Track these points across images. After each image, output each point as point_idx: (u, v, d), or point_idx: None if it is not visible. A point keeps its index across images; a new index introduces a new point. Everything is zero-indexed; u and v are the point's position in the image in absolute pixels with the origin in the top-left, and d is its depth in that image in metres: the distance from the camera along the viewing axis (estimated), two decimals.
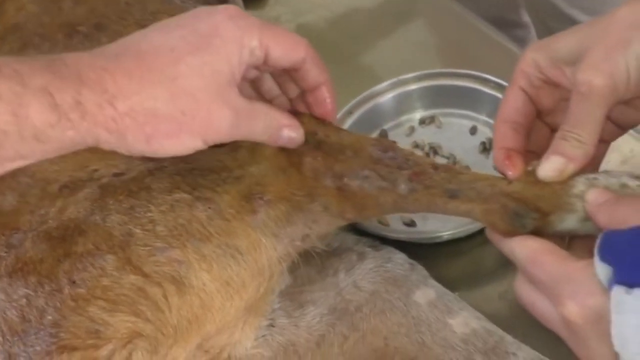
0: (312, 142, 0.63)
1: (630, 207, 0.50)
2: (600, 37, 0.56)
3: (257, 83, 0.64)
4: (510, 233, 0.56)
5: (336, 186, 0.62)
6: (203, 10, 0.58)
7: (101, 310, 0.57)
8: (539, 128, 0.63)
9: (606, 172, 0.57)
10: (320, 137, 0.63)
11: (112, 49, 0.55)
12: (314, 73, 0.61)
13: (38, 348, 0.56)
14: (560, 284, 0.50)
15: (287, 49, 0.59)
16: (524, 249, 0.54)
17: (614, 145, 0.77)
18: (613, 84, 0.54)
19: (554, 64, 0.59)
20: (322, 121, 0.64)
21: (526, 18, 1.49)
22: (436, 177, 0.60)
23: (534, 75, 0.60)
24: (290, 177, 0.62)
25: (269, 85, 0.64)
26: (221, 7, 0.58)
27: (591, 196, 0.54)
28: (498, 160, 0.60)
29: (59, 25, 0.79)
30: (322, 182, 0.62)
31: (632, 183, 0.55)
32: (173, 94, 0.53)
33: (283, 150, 0.63)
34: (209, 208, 0.61)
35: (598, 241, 0.48)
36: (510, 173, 0.59)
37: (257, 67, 0.60)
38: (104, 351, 0.57)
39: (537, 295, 0.52)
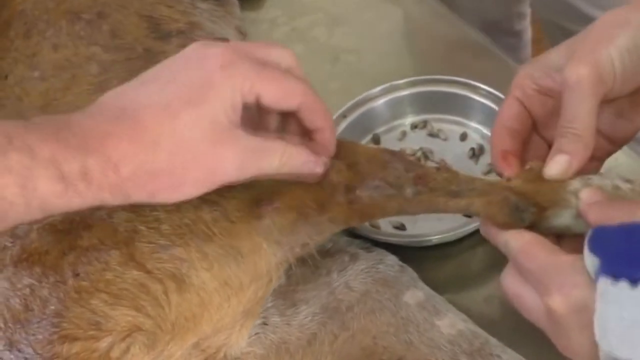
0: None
1: (620, 210, 0.53)
2: (585, 38, 0.60)
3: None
4: (508, 226, 0.59)
5: (347, 200, 0.63)
6: (193, 55, 0.59)
7: (103, 303, 0.59)
8: (537, 142, 0.65)
9: (600, 174, 0.60)
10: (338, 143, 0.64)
11: (111, 107, 0.56)
12: (311, 119, 0.61)
13: (40, 337, 0.58)
14: (549, 274, 0.52)
15: (279, 97, 0.59)
16: (518, 240, 0.56)
17: None
18: (598, 73, 0.57)
19: (547, 73, 0.62)
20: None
21: (519, 26, 1.51)
22: (439, 179, 0.62)
23: (528, 86, 0.63)
24: (309, 188, 0.63)
25: (271, 117, 0.64)
26: (213, 52, 0.58)
27: (585, 194, 0.57)
28: (495, 162, 0.63)
29: (63, 11, 0.81)
30: (335, 198, 0.63)
31: (624, 186, 0.58)
32: (172, 151, 0.55)
33: None
34: (215, 210, 0.62)
35: (589, 234, 0.50)
36: (506, 173, 0.62)
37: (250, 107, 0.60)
38: (103, 343, 0.58)
39: (524, 286, 0.55)
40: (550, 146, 0.62)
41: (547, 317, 0.52)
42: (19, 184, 0.51)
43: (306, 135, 0.63)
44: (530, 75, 0.63)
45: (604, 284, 0.47)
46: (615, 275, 0.47)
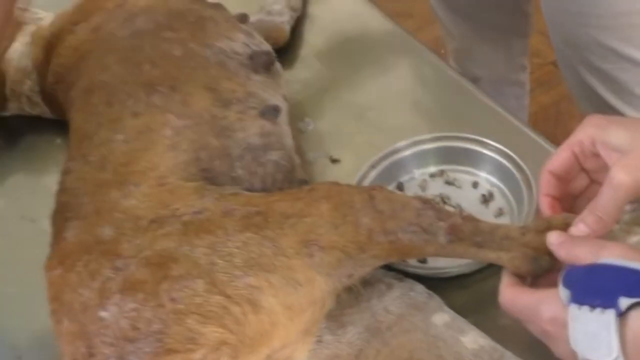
0: (367, 201, 0.76)
1: (584, 248, 0.69)
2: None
3: None
4: (531, 273, 0.74)
5: (388, 240, 0.74)
6: None
7: (196, 322, 0.70)
8: (581, 176, 0.80)
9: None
10: (373, 194, 0.76)
11: None
12: None
13: (147, 349, 0.70)
14: (537, 306, 0.69)
15: None
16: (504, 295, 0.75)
17: None
18: (638, 184, 0.70)
19: (606, 146, 0.74)
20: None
21: (522, 77, 1.68)
22: (465, 230, 0.74)
23: (587, 147, 0.76)
24: (345, 232, 0.74)
25: None
26: None
27: (552, 238, 0.72)
28: (543, 207, 0.78)
29: (140, 84, 0.93)
30: (375, 239, 0.74)
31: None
32: None
33: (339, 207, 0.76)
34: (274, 246, 0.74)
35: (562, 272, 0.68)
36: (546, 213, 0.77)
37: None
38: (198, 355, 0.70)
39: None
40: (591, 179, 0.78)
41: (543, 334, 0.70)
42: None
43: None
44: (592, 138, 0.75)
45: (573, 308, 0.65)
46: (580, 303, 0.65)
